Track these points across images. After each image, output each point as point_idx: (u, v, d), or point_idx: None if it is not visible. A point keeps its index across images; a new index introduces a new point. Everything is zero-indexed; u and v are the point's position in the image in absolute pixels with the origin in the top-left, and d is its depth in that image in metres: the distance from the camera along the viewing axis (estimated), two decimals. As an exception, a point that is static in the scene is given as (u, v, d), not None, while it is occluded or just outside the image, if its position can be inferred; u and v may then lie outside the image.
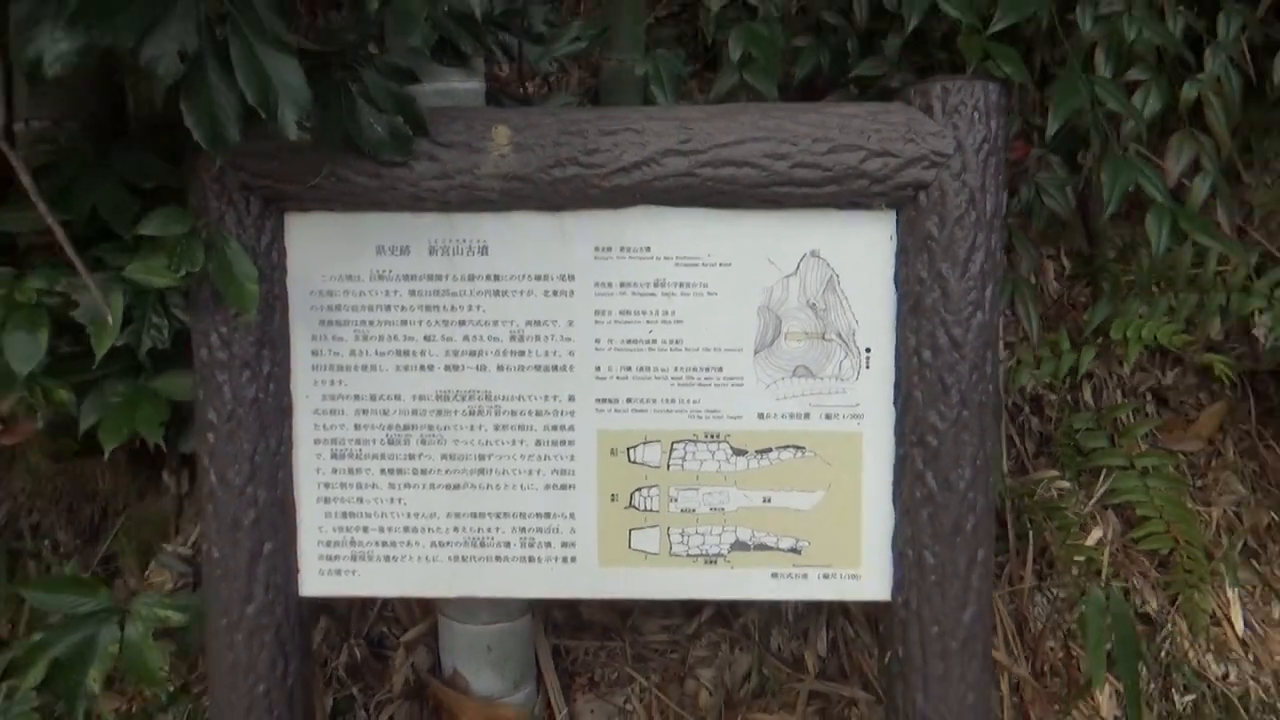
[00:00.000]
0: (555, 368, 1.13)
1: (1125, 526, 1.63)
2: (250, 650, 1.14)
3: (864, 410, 1.13)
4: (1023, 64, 1.20)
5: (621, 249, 1.12)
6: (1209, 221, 1.31)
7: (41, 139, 1.22)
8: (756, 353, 1.13)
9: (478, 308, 1.13)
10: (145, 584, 1.47)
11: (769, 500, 1.14)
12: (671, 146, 1.06)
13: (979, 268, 1.07)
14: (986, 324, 1.08)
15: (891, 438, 1.13)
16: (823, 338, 1.12)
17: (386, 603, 1.51)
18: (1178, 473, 1.68)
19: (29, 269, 1.10)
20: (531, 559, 1.16)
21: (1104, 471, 1.62)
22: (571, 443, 1.14)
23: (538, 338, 1.13)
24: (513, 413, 1.14)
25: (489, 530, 1.15)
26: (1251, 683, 1.54)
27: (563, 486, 1.15)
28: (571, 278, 1.12)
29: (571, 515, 1.15)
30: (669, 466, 1.14)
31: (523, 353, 1.13)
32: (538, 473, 1.15)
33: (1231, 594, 1.60)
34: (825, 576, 1.15)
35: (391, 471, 1.15)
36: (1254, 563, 1.68)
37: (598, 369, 1.13)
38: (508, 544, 1.16)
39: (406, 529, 1.16)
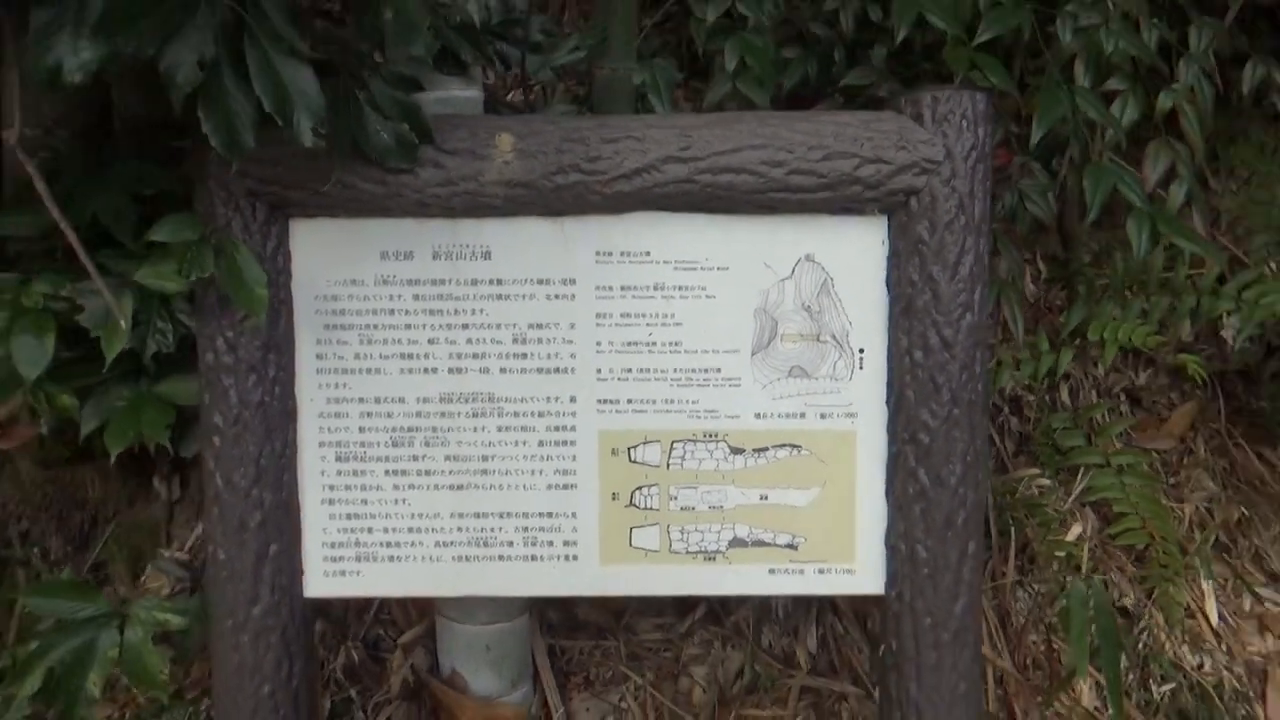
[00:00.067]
0: (557, 370, 1.16)
1: (1103, 523, 1.68)
2: (256, 651, 1.15)
3: (858, 409, 1.17)
4: (1008, 74, 1.25)
5: (622, 253, 1.14)
6: (1186, 225, 1.36)
7: (33, 146, 1.23)
8: (753, 354, 1.16)
9: (481, 311, 1.15)
10: (141, 589, 1.48)
11: (766, 498, 1.17)
12: (672, 154, 1.09)
13: (968, 270, 1.11)
14: (976, 325, 1.11)
15: (884, 436, 1.16)
16: (817, 339, 1.16)
17: (383, 605, 1.52)
18: (1152, 470, 1.73)
19: (27, 275, 1.11)
20: (534, 558, 1.18)
21: (1082, 470, 1.67)
22: (573, 443, 1.17)
23: (540, 340, 1.15)
24: (515, 414, 1.16)
25: (492, 530, 1.18)
26: (1225, 673, 1.59)
27: (565, 486, 1.17)
28: (573, 282, 1.15)
29: (573, 514, 1.18)
30: (669, 466, 1.17)
31: (525, 355, 1.15)
32: (540, 473, 1.17)
33: (1206, 587, 1.65)
34: (821, 571, 1.18)
35: (396, 473, 1.17)
36: (1225, 557, 1.73)
37: (599, 371, 1.16)
38: (511, 543, 1.18)
39: (410, 529, 1.18)
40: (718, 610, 1.56)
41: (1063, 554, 1.59)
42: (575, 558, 1.18)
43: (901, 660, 1.16)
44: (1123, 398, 1.82)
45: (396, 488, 1.17)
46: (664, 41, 1.76)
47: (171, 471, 1.61)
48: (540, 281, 1.15)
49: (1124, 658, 1.55)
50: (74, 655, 1.16)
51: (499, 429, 1.16)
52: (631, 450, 1.17)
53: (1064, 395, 1.77)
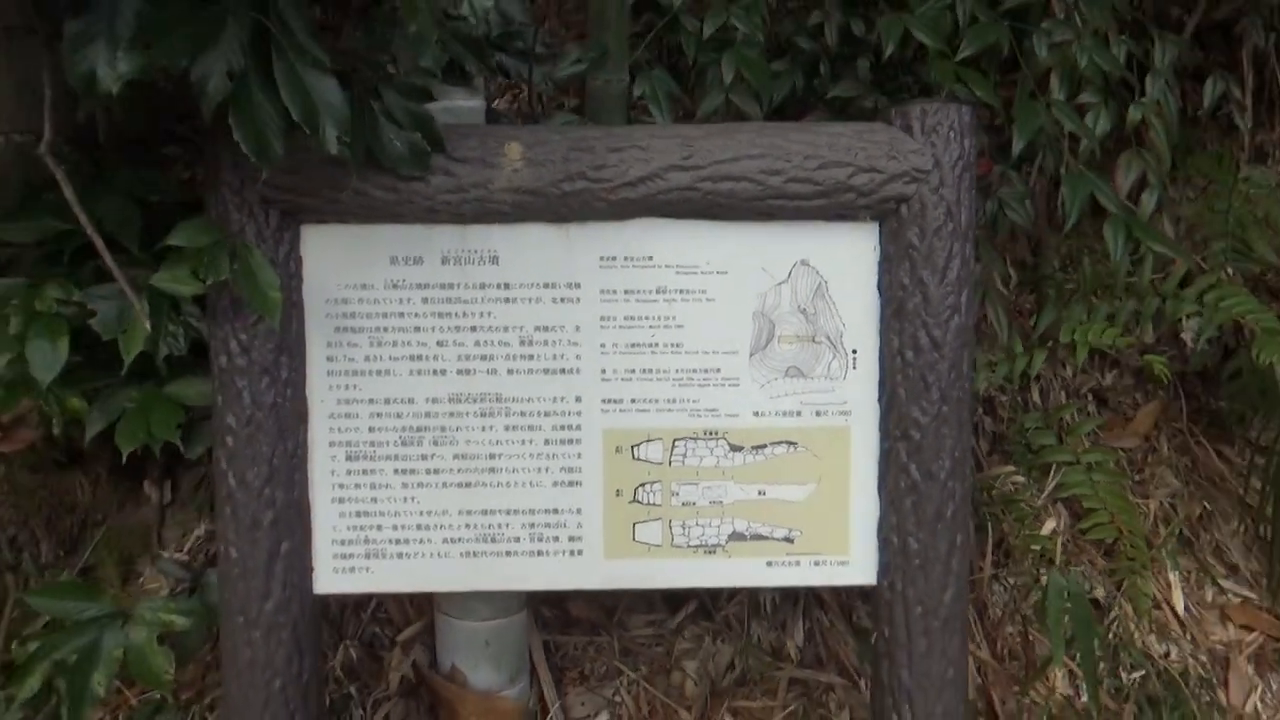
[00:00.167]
0: (562, 370, 1.20)
1: (1074, 518, 1.75)
2: (268, 647, 1.17)
3: (851, 407, 1.22)
4: (993, 88, 1.31)
5: (625, 258, 1.19)
6: (1157, 231, 1.43)
7: (28, 151, 1.24)
8: (752, 355, 1.21)
9: (488, 314, 1.19)
10: (141, 590, 1.49)
11: (764, 493, 1.22)
12: (674, 162, 1.14)
13: (956, 274, 1.16)
14: (963, 326, 1.17)
15: (877, 432, 1.21)
16: (813, 340, 1.21)
17: (380, 604, 1.55)
18: (1118, 468, 1.80)
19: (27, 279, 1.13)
20: (540, 553, 1.22)
21: (1054, 467, 1.73)
22: (578, 441, 1.21)
23: (546, 342, 1.19)
24: (522, 414, 1.20)
25: (499, 526, 1.21)
26: (1191, 660, 1.67)
27: (570, 483, 1.21)
28: (578, 285, 1.19)
29: (578, 510, 1.22)
30: (670, 463, 1.21)
31: (531, 357, 1.19)
32: (546, 470, 1.21)
33: (1172, 578, 1.72)
34: (816, 564, 1.23)
35: (405, 472, 1.20)
36: (1189, 550, 1.81)
37: (603, 371, 1.20)
38: (517, 539, 1.21)
39: (419, 527, 1.21)
40: (708, 605, 1.60)
41: (1037, 548, 1.65)
42: (580, 552, 1.22)
43: (893, 648, 1.21)
44: (1090, 398, 1.89)
45: (405, 486, 1.20)
46: (647, 54, 1.80)
47: (163, 475, 1.62)
48: (546, 285, 1.19)
49: (1096, 646, 1.62)
50: (79, 655, 1.17)
51: (506, 428, 1.20)
52: (635, 448, 1.21)
53: (1035, 396, 1.84)
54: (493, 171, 1.13)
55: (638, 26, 1.82)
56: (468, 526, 1.21)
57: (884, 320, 1.19)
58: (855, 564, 1.23)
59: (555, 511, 1.21)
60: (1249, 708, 1.64)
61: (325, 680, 1.49)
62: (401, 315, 1.18)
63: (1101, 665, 1.63)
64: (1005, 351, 1.70)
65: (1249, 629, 1.73)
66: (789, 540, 1.23)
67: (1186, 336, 1.89)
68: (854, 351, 1.21)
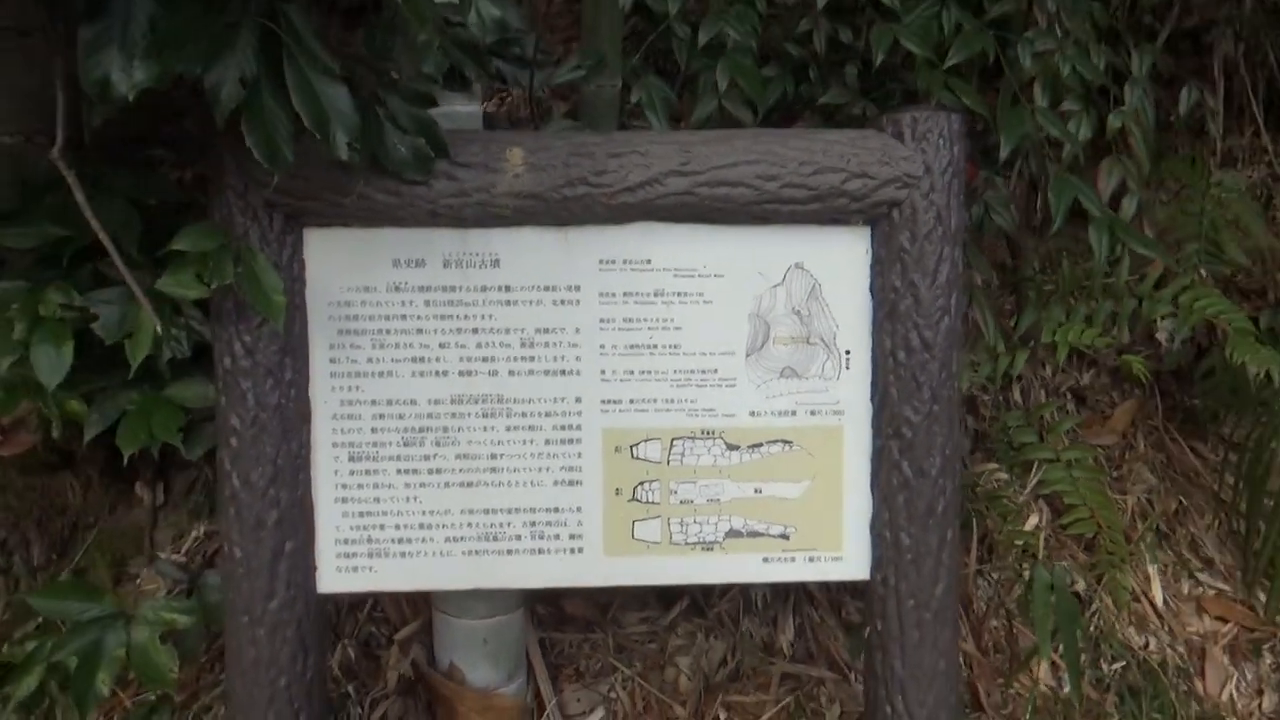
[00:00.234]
0: (563, 372, 1.22)
1: (1055, 514, 1.79)
2: (273, 645, 1.18)
3: (845, 407, 1.25)
4: (980, 97, 1.34)
5: (624, 261, 1.21)
6: (1138, 232, 1.47)
7: (21, 153, 1.25)
8: (748, 356, 1.23)
9: (490, 317, 1.21)
10: (139, 591, 1.50)
11: (760, 491, 1.25)
12: (673, 168, 1.16)
13: (945, 277, 1.20)
14: (953, 327, 1.20)
15: (870, 431, 1.25)
16: (807, 341, 1.24)
17: (376, 603, 1.56)
18: (1097, 465, 1.84)
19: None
20: (541, 551, 1.24)
21: (1035, 464, 1.77)
22: (578, 441, 1.23)
23: (546, 344, 1.21)
24: (523, 414, 1.22)
25: (501, 525, 1.23)
26: (1169, 651, 1.71)
27: (570, 482, 1.23)
28: (578, 288, 1.21)
29: (578, 509, 1.24)
30: (669, 462, 1.24)
31: (532, 358, 1.21)
32: (547, 470, 1.23)
33: (1151, 572, 1.77)
34: (811, 559, 1.26)
35: (407, 472, 1.22)
36: (1165, 544, 1.86)
37: (602, 372, 1.22)
38: (519, 537, 1.23)
39: (422, 526, 1.22)
40: (700, 602, 1.63)
41: (1020, 543, 1.69)
42: (580, 550, 1.24)
43: (886, 640, 1.25)
44: (1069, 397, 1.94)
45: (408, 486, 1.22)
46: (638, 60, 1.83)
47: (155, 478, 1.63)
48: (547, 288, 1.21)
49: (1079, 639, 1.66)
50: (82, 655, 1.18)
51: (507, 429, 1.22)
52: (634, 448, 1.23)
53: (1016, 395, 1.88)
54: (495, 176, 1.15)
55: (625, 31, 1.85)
56: (470, 526, 1.23)
57: (876, 322, 1.22)
58: (849, 559, 1.26)
59: (556, 510, 1.24)
60: (1224, 696, 1.69)
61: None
62: (404, 318, 1.20)
63: (1083, 657, 1.67)
64: (988, 352, 1.74)
65: (1224, 620, 1.78)
66: (784, 537, 1.26)
67: (1161, 336, 1.94)
68: (847, 352, 1.24)
